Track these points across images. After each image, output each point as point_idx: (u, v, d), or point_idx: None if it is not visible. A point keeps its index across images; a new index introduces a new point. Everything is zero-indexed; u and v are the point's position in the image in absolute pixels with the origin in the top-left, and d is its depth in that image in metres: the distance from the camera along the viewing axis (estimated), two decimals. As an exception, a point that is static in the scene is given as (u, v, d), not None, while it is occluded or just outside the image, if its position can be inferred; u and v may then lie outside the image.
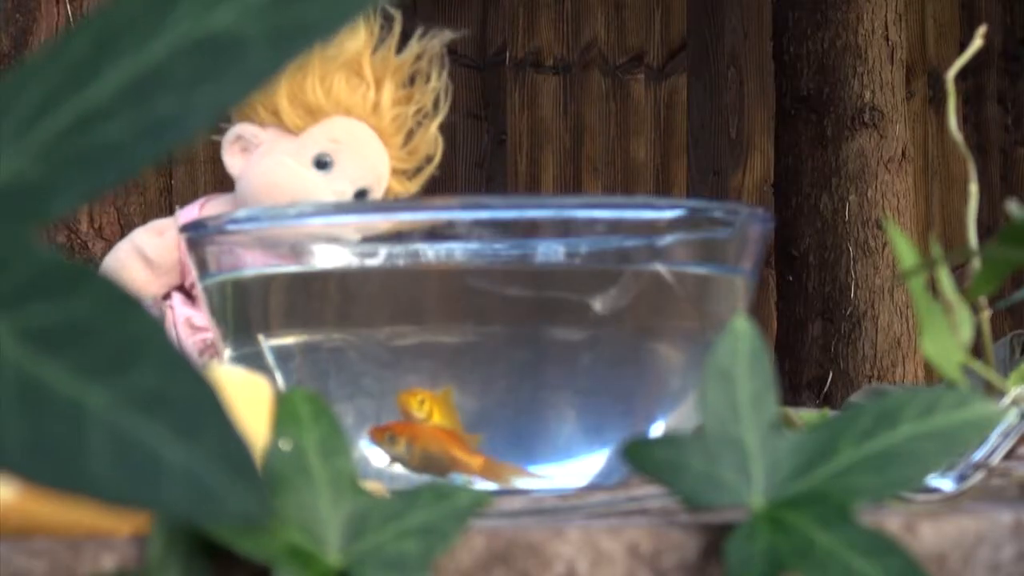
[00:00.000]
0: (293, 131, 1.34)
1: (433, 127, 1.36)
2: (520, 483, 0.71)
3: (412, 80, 1.35)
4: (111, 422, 0.38)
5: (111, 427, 0.38)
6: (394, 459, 0.70)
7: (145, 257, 1.35)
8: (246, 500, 0.38)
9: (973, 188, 0.65)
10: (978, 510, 0.54)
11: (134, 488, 0.38)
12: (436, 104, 1.36)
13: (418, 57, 1.35)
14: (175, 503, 0.38)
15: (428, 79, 1.35)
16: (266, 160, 1.33)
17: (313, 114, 1.33)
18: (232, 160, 1.35)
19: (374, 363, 0.75)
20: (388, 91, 1.33)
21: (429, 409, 0.70)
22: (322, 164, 1.33)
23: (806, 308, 2.39)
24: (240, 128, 1.34)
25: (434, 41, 1.35)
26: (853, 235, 2.35)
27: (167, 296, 1.35)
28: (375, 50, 1.33)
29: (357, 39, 1.32)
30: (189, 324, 1.32)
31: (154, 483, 0.38)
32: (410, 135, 1.36)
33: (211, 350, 1.28)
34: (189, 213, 1.37)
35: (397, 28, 1.34)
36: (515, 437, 0.75)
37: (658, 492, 0.54)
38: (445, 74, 1.35)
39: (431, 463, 0.69)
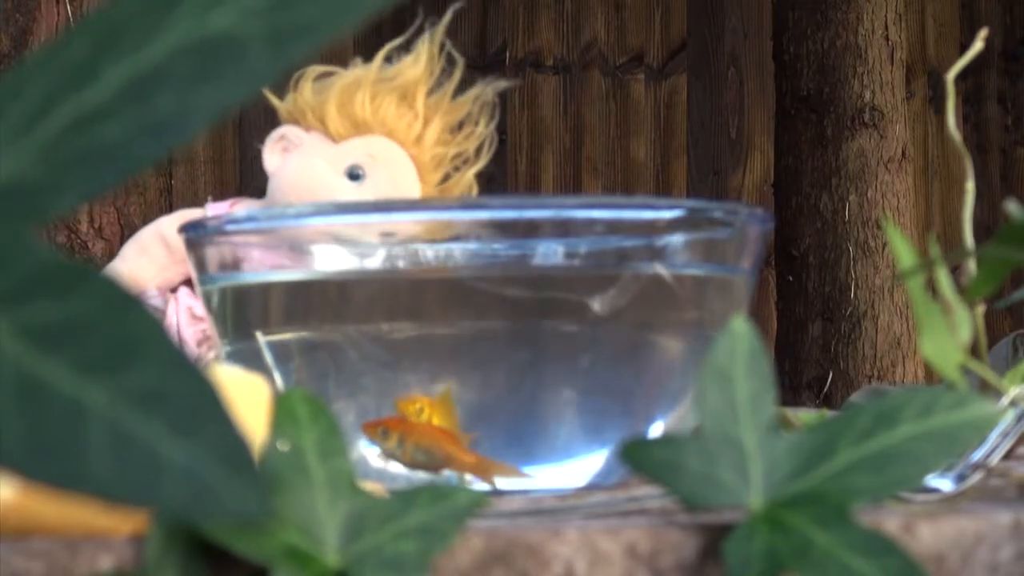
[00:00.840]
0: (335, 139, 1.34)
1: (471, 173, 1.36)
2: (513, 483, 0.71)
3: (461, 124, 1.35)
4: (110, 420, 0.38)
5: (110, 425, 0.38)
6: (387, 454, 0.70)
7: (167, 242, 1.35)
8: (245, 498, 0.38)
9: (969, 186, 0.65)
10: (977, 510, 0.54)
11: (133, 486, 0.38)
12: (479, 151, 1.35)
13: (472, 100, 1.34)
14: (174, 501, 0.38)
15: (476, 124, 1.35)
16: (299, 160, 1.33)
17: (357, 127, 1.33)
18: (271, 158, 1.35)
19: (373, 363, 0.75)
20: (434, 129, 1.33)
21: (428, 416, 0.70)
22: (354, 176, 1.33)
23: (806, 308, 2.39)
24: (285, 128, 1.35)
25: (488, 89, 1.35)
26: (853, 235, 2.35)
27: (175, 289, 1.35)
28: (431, 91, 1.33)
29: (417, 67, 1.32)
30: (191, 313, 1.32)
31: (153, 481, 0.38)
32: (447, 176, 1.36)
33: (210, 341, 1.28)
34: (219, 209, 1.37)
35: (458, 74, 1.33)
36: (514, 437, 0.75)
37: (656, 492, 0.54)
38: (493, 124, 1.35)
39: (424, 459, 0.69)
